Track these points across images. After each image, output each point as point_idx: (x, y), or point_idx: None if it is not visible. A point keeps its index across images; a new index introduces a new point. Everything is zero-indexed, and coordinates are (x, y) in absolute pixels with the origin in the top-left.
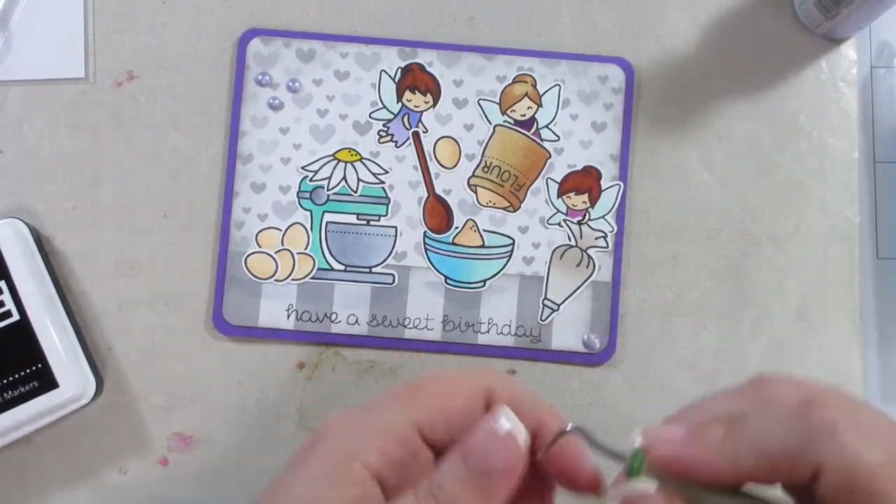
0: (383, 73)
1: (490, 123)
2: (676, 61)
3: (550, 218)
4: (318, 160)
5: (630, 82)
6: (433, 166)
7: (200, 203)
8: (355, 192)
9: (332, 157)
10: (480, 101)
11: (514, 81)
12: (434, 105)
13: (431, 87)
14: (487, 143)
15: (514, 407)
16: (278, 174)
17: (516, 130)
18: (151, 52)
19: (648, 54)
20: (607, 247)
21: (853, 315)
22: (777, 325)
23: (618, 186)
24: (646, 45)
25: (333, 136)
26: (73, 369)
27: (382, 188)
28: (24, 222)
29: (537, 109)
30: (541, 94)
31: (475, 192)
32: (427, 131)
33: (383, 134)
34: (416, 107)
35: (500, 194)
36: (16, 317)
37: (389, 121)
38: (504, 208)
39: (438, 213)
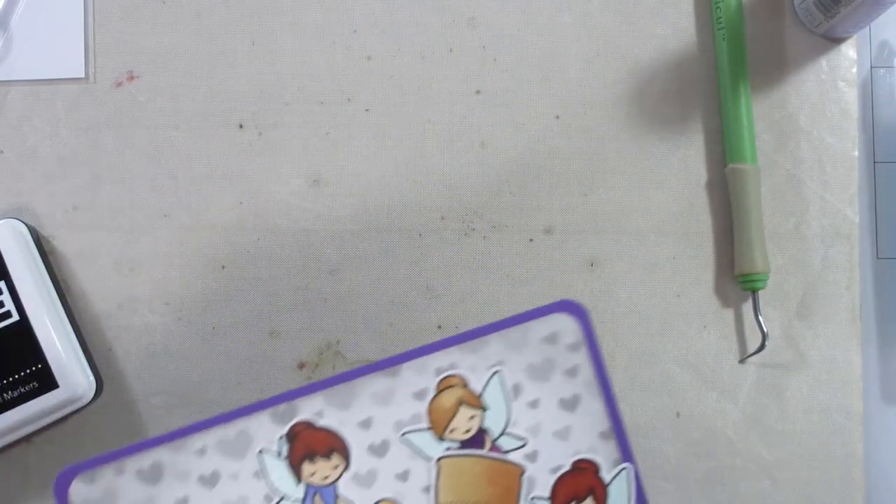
0: (263, 454)
1: (429, 459)
2: (676, 61)
3: None
4: None
5: (588, 328)
6: None
7: (200, 203)
8: None
9: None
10: (406, 436)
11: (439, 391)
12: (347, 467)
13: (335, 445)
14: (437, 487)
15: None
16: None
17: (467, 455)
18: (151, 52)
19: (648, 54)
20: None
21: (853, 315)
22: (777, 324)
23: (626, 470)
24: (646, 44)
25: None
26: (73, 369)
27: None
28: (24, 222)
29: (483, 415)
30: (479, 393)
31: None
32: None
33: None
34: (324, 479)
35: None
36: (15, 317)
37: None
38: None
39: None
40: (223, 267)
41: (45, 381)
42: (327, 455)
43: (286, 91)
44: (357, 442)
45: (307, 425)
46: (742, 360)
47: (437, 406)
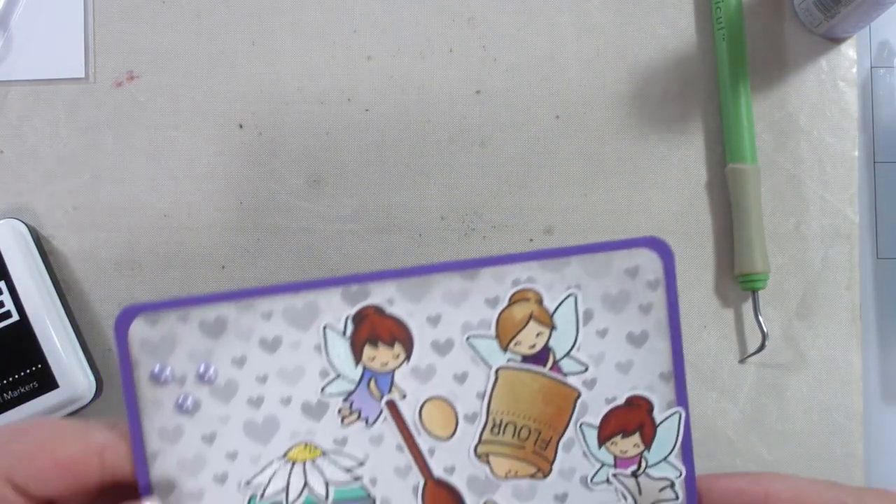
0: (328, 329)
1: (490, 367)
2: (676, 61)
3: (595, 476)
4: (265, 468)
5: (670, 269)
6: (423, 441)
7: (200, 203)
8: (326, 499)
9: (283, 460)
10: (471, 340)
11: (512, 302)
12: (408, 358)
13: (399, 335)
14: (491, 395)
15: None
16: (215, 500)
17: (527, 370)
18: (151, 52)
19: (648, 54)
20: (677, 498)
21: (853, 315)
22: (777, 324)
23: (677, 415)
24: (646, 45)
25: (279, 431)
26: (73, 369)
27: (361, 486)
28: (24, 222)
29: (550, 334)
30: (551, 312)
31: (488, 463)
32: (405, 396)
33: (346, 412)
34: (383, 365)
35: (521, 459)
36: (15, 317)
37: (351, 393)
38: (531, 476)
39: (444, 502)
40: (223, 267)
41: (45, 381)
42: (390, 343)
43: (286, 91)
44: (422, 336)
45: (376, 310)
46: (742, 360)
47: (507, 316)
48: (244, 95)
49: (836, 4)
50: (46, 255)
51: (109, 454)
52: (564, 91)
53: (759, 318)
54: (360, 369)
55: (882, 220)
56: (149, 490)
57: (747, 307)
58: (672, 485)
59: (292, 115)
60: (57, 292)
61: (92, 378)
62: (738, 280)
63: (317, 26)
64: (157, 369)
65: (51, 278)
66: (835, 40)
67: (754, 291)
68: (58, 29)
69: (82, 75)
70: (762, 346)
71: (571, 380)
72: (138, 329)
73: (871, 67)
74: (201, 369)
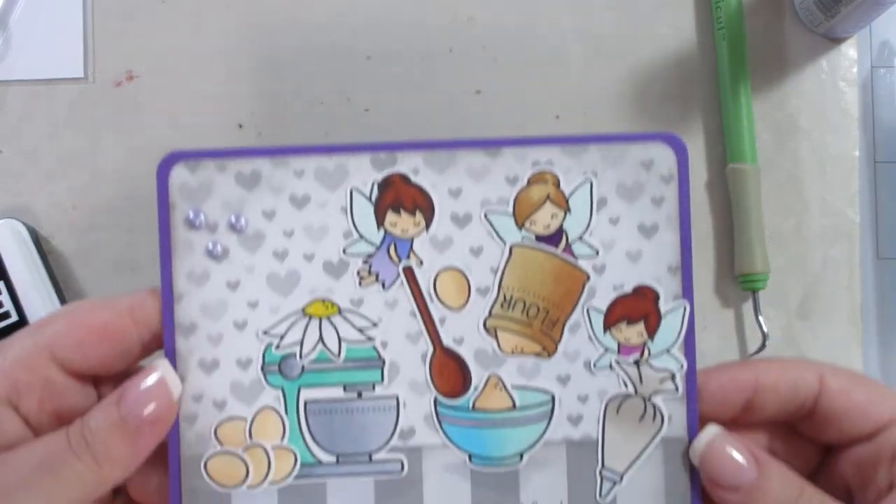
0: (354, 191)
1: (504, 243)
2: (676, 61)
3: (598, 360)
4: (283, 320)
5: (684, 164)
6: (436, 309)
7: None
8: (338, 356)
9: (301, 314)
10: (488, 215)
11: (530, 182)
12: (427, 227)
13: (421, 204)
14: (504, 271)
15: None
16: (233, 345)
17: (540, 249)
18: (151, 52)
19: (648, 54)
20: (677, 390)
21: (853, 315)
22: (777, 324)
23: (682, 308)
24: (646, 45)
25: (299, 285)
26: None
27: (373, 347)
28: (24, 222)
29: (565, 217)
30: (567, 195)
31: (495, 338)
32: (422, 263)
33: (365, 274)
34: (403, 232)
35: (528, 336)
36: (14, 318)
37: (371, 255)
38: (536, 354)
39: (451, 372)
40: None
41: None
42: (413, 210)
43: (286, 91)
44: (443, 207)
45: (402, 178)
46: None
47: (524, 196)
48: (244, 95)
49: (836, 4)
50: (46, 255)
51: (139, 311)
52: (564, 91)
53: (760, 318)
54: (381, 233)
55: (882, 220)
56: (172, 329)
57: (747, 307)
58: (673, 377)
59: (292, 115)
60: (56, 292)
61: None
62: (739, 280)
63: (317, 26)
64: (191, 214)
65: (50, 278)
66: (835, 40)
67: (754, 291)
68: (57, 29)
69: (82, 75)
70: (762, 347)
71: (582, 263)
72: (178, 174)
73: (872, 67)
74: (233, 218)
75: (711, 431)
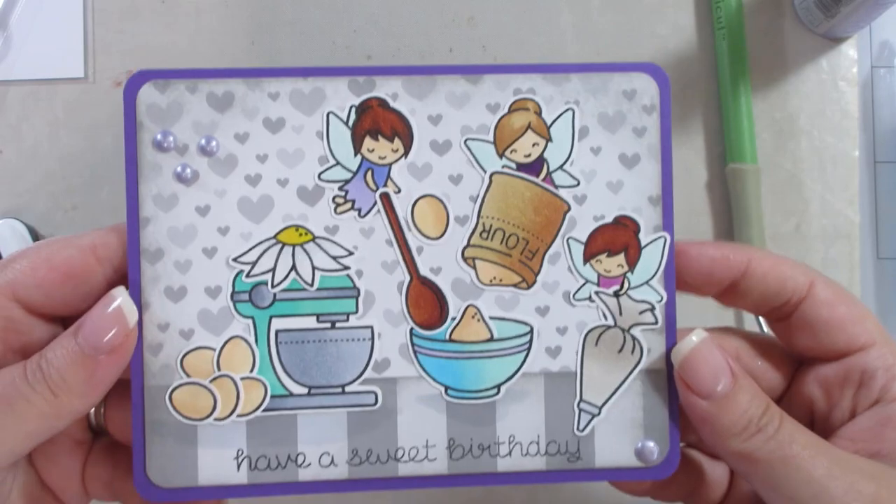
0: (331, 115)
1: (484, 171)
2: (676, 61)
3: (577, 292)
4: (254, 247)
5: (666, 96)
6: (413, 238)
7: None
8: (311, 285)
9: (273, 241)
10: (468, 142)
11: (512, 110)
12: (406, 154)
13: (400, 130)
14: (483, 199)
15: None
16: (202, 272)
17: (521, 177)
18: (151, 52)
19: (648, 54)
20: (656, 322)
21: None
22: None
23: (662, 239)
24: (646, 45)
25: (272, 212)
26: None
27: (347, 276)
28: (24, 222)
29: (546, 146)
30: (549, 124)
31: (474, 268)
32: (400, 191)
33: (340, 200)
34: (381, 158)
35: (507, 266)
36: None
37: (347, 181)
38: (515, 285)
39: (427, 302)
40: None
41: None
42: (391, 136)
43: None
44: (422, 134)
45: (380, 102)
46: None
47: (505, 123)
48: None
49: (836, 4)
50: None
51: (102, 249)
52: None
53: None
54: (358, 159)
55: (882, 220)
56: (137, 255)
57: None
58: (652, 308)
59: None
60: None
61: None
62: None
63: (317, 26)
64: (160, 135)
65: None
66: (835, 40)
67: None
68: (57, 29)
69: (82, 75)
70: None
71: (563, 193)
72: (147, 94)
73: (872, 67)
74: (203, 141)
75: (700, 335)
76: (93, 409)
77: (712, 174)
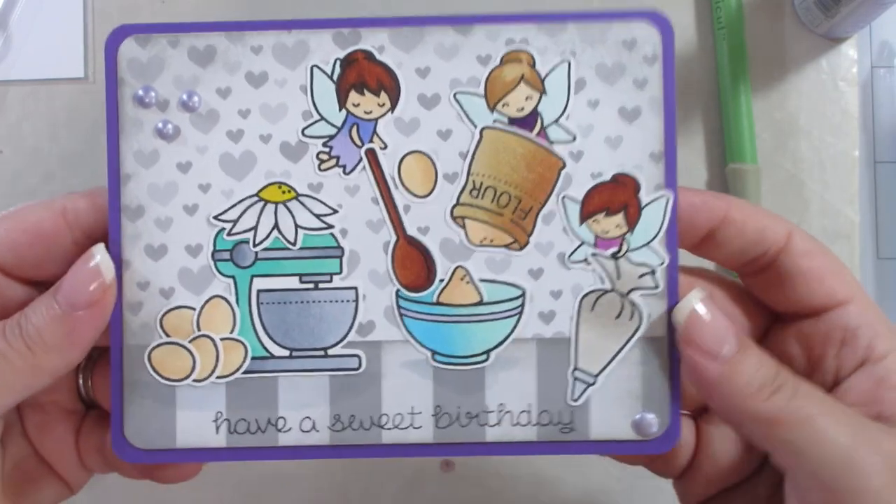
0: (315, 69)
1: (475, 126)
2: (676, 61)
3: (573, 253)
4: (236, 204)
5: (669, 45)
6: (400, 196)
7: None
8: (293, 244)
9: (255, 198)
10: (458, 96)
11: (504, 62)
12: (392, 108)
13: (386, 83)
14: (474, 156)
15: None
16: (182, 230)
17: (513, 133)
18: None
19: None
20: (656, 287)
21: None
22: None
23: (665, 198)
24: None
25: (255, 168)
26: None
27: (331, 235)
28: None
29: (540, 99)
30: (543, 76)
31: (463, 227)
32: (386, 147)
33: (325, 157)
34: (366, 113)
35: (498, 226)
36: None
37: (332, 137)
38: (506, 246)
39: (414, 263)
40: None
41: None
42: (377, 90)
43: None
44: (409, 87)
45: (366, 55)
46: None
47: (497, 75)
48: None
49: (836, 4)
50: None
51: (72, 213)
52: None
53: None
54: (343, 114)
55: (882, 220)
56: (118, 212)
57: None
58: (653, 272)
59: None
60: None
61: None
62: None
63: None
64: (141, 91)
65: None
66: (835, 40)
67: None
68: (57, 29)
69: (82, 75)
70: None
71: (558, 148)
72: (128, 48)
73: (872, 67)
74: (185, 96)
75: (702, 292)
76: (82, 380)
77: (712, 174)
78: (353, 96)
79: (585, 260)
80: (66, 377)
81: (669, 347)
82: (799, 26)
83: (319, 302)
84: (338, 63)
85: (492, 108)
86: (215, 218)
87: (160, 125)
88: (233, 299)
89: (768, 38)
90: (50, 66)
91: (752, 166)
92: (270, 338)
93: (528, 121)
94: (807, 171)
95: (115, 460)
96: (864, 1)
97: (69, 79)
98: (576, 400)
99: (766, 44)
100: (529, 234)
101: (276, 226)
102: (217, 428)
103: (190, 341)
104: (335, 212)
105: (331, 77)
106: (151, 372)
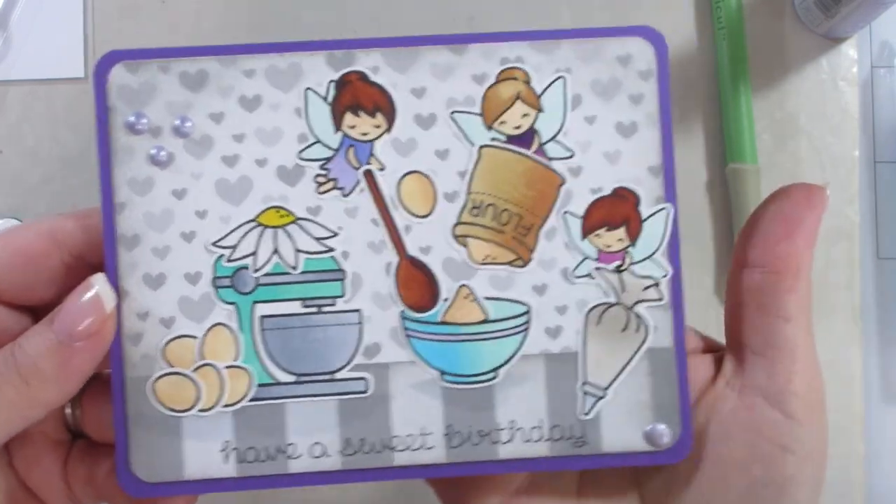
0: (310, 92)
1: (472, 145)
2: (676, 61)
3: (577, 268)
4: (234, 230)
5: (663, 60)
6: (400, 216)
7: None
8: (294, 268)
9: (254, 223)
10: (455, 115)
11: (499, 80)
12: (389, 129)
13: (382, 104)
14: (473, 174)
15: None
16: (180, 258)
17: (511, 150)
18: None
19: None
20: (661, 298)
21: (853, 315)
22: None
23: (665, 211)
24: None
25: (252, 193)
26: None
27: (332, 258)
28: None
29: (537, 116)
30: (539, 93)
31: (465, 246)
32: (384, 167)
33: (322, 180)
34: (363, 135)
35: (500, 244)
36: None
37: (328, 159)
38: (509, 263)
39: (417, 283)
40: None
41: None
42: (372, 112)
43: None
44: (405, 108)
45: (360, 76)
46: None
47: (493, 94)
48: None
49: (836, 4)
50: None
51: (60, 234)
52: None
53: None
54: (339, 136)
55: (883, 220)
56: (114, 242)
57: None
58: (657, 284)
59: None
60: None
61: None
62: None
63: (316, 27)
64: (132, 117)
65: None
66: (835, 40)
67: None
68: (57, 29)
69: (82, 75)
70: None
71: (556, 165)
72: (118, 75)
73: (872, 67)
74: (178, 122)
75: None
76: (69, 409)
77: (712, 174)
78: (349, 118)
79: (589, 274)
80: None
81: (677, 358)
82: (799, 26)
83: (323, 326)
84: (332, 85)
85: (489, 127)
86: (214, 244)
87: (153, 152)
88: (235, 326)
89: (768, 38)
90: (50, 66)
91: (752, 166)
92: (276, 364)
93: (526, 138)
94: (807, 171)
95: (105, 491)
96: (864, 1)
97: (69, 79)
98: (587, 413)
99: (766, 44)
100: (532, 251)
101: (275, 250)
102: (226, 457)
103: (193, 371)
104: (335, 234)
105: (325, 99)
106: (155, 403)
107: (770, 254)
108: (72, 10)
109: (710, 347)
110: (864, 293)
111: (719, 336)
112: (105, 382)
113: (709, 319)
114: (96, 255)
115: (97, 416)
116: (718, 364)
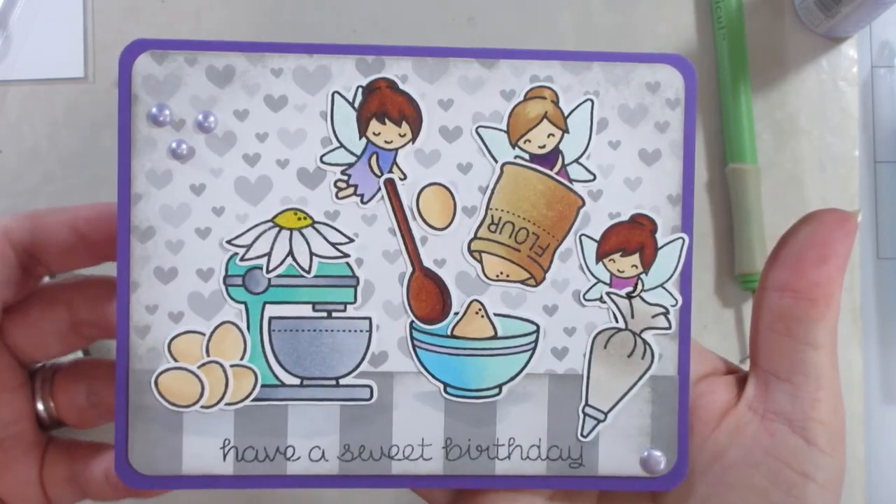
0: (337, 95)
1: (496, 161)
2: None
3: (588, 291)
4: (250, 229)
5: (692, 90)
6: (417, 227)
7: None
8: (308, 272)
9: (270, 224)
10: (480, 130)
11: (528, 98)
12: (413, 139)
13: (408, 113)
14: (493, 190)
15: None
16: (194, 253)
17: (534, 169)
18: None
19: None
20: (669, 327)
21: (853, 315)
22: None
23: (680, 241)
24: (646, 45)
25: (270, 193)
26: None
27: (347, 264)
28: None
29: (562, 137)
30: (566, 114)
31: (480, 261)
32: (406, 178)
33: (343, 185)
34: (387, 143)
35: (515, 262)
36: None
37: (350, 165)
38: (522, 281)
39: (429, 295)
40: None
41: None
42: (398, 120)
43: None
44: (431, 119)
45: (388, 84)
46: (743, 361)
47: (520, 111)
48: None
49: (836, 4)
50: None
51: (15, 232)
52: None
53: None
54: (363, 143)
55: (883, 220)
56: (127, 232)
57: (747, 307)
58: (666, 312)
59: None
60: None
61: None
62: (739, 280)
63: (316, 27)
64: (156, 109)
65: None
66: (835, 40)
67: (754, 291)
68: (57, 29)
69: (82, 75)
70: None
71: (577, 187)
72: (143, 64)
73: (872, 67)
74: (201, 116)
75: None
76: (41, 405)
77: (712, 174)
78: (374, 125)
79: (600, 298)
80: (22, 407)
81: (680, 386)
82: (799, 26)
83: (332, 331)
84: (360, 90)
85: (513, 144)
86: (228, 242)
87: (174, 145)
88: (244, 326)
89: (768, 38)
90: (50, 66)
91: (752, 166)
92: (281, 366)
93: (549, 158)
94: (807, 171)
95: (86, 485)
96: (864, 1)
97: (69, 79)
98: (585, 436)
99: (766, 44)
100: (546, 271)
101: (290, 252)
102: (224, 455)
103: (199, 367)
104: (351, 241)
105: (352, 104)
106: (158, 397)
107: (803, 280)
108: (72, 10)
109: (731, 370)
110: (864, 293)
111: (719, 336)
112: (71, 368)
113: (708, 320)
114: (43, 251)
115: (72, 402)
116: (740, 385)
